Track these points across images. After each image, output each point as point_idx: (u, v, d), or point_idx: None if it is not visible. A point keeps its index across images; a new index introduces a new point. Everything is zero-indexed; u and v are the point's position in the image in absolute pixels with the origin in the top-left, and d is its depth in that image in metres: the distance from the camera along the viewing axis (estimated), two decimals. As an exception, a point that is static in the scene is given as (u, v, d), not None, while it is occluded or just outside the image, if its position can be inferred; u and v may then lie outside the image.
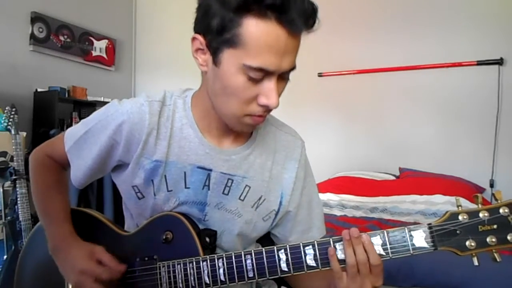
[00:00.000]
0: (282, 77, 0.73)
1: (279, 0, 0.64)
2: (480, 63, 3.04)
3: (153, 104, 0.83)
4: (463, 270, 1.44)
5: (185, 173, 0.84)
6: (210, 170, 0.84)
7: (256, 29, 0.66)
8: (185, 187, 0.84)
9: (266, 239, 0.95)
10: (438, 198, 2.43)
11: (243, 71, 0.69)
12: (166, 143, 0.83)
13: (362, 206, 2.55)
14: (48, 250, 0.87)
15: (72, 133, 0.90)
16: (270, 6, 0.64)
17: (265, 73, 0.70)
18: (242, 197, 0.86)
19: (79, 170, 0.88)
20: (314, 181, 0.96)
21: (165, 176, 0.83)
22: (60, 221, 0.88)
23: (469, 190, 2.64)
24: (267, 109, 0.74)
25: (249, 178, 0.86)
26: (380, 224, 2.13)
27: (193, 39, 0.75)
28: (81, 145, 0.87)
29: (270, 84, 0.71)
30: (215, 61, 0.72)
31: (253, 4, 0.65)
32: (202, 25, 0.72)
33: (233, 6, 0.66)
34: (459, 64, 3.12)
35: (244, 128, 0.81)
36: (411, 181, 2.86)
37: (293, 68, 0.73)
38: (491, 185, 2.97)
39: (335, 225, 2.12)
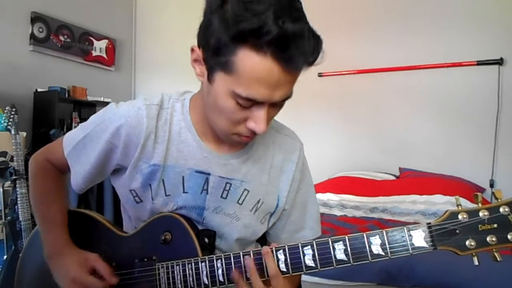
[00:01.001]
0: (275, 104, 0.72)
1: (278, 37, 0.61)
2: (480, 63, 3.04)
3: (151, 108, 0.82)
4: (463, 271, 1.44)
5: (183, 177, 0.83)
6: (209, 174, 0.84)
7: (250, 62, 0.64)
8: (183, 192, 0.84)
9: (261, 237, 0.96)
10: (438, 198, 2.43)
11: (233, 96, 0.68)
12: (164, 147, 0.82)
13: (362, 206, 2.55)
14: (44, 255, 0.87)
15: (71, 138, 0.89)
16: (268, 42, 0.62)
17: (255, 102, 0.69)
18: (240, 201, 0.86)
19: (79, 175, 0.88)
20: (311, 183, 0.96)
21: (163, 180, 0.83)
22: (56, 229, 0.88)
23: (469, 190, 2.64)
24: (255, 133, 0.74)
25: (247, 182, 0.86)
26: (380, 224, 2.13)
27: (192, 50, 0.74)
28: (80, 149, 0.87)
29: (259, 113, 0.70)
30: (209, 78, 0.71)
31: (250, 36, 0.62)
32: (202, 39, 0.71)
33: (231, 33, 0.63)
34: (459, 64, 3.12)
35: (232, 143, 0.81)
36: (411, 181, 2.86)
37: (287, 98, 0.71)
38: (491, 185, 2.97)
39: (335, 225, 2.12)
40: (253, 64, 0.64)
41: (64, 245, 0.86)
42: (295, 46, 0.63)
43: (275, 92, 0.68)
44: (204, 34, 0.69)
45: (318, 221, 0.96)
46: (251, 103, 0.69)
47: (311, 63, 0.67)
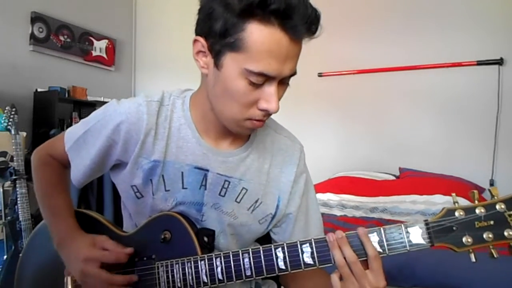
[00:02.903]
0: (283, 82, 0.73)
1: (283, 6, 0.64)
2: (480, 63, 3.04)
3: (151, 104, 0.83)
4: (463, 271, 1.44)
5: (182, 173, 0.84)
6: (207, 170, 0.84)
7: (259, 34, 0.66)
8: (183, 188, 0.84)
9: (266, 242, 0.95)
10: (438, 198, 2.43)
11: (244, 75, 0.69)
12: (164, 143, 0.83)
13: (362, 206, 2.55)
14: (50, 249, 0.87)
15: (72, 133, 0.90)
16: (274, 11, 0.64)
17: (266, 78, 0.70)
18: (238, 200, 0.86)
19: (79, 170, 0.89)
20: (313, 188, 0.96)
21: (162, 176, 0.84)
22: (64, 216, 0.89)
23: (469, 190, 2.62)
24: (267, 114, 0.75)
25: (246, 181, 0.86)
26: (380, 224, 2.11)
27: (195, 41, 0.75)
28: (81, 145, 0.88)
29: (270, 89, 0.71)
30: (217, 64, 0.72)
31: (257, 9, 0.64)
32: (204, 28, 0.72)
33: (237, 11, 0.65)
34: (459, 64, 3.12)
35: (243, 131, 0.81)
36: (411, 181, 2.86)
37: (294, 73, 0.73)
38: (491, 185, 2.97)
39: (335, 225, 2.12)
40: (262, 36, 0.66)
41: (73, 231, 0.87)
42: (299, 14, 0.65)
43: (284, 65, 0.69)
44: (207, 22, 0.70)
45: (322, 227, 0.95)
46: (263, 79, 0.70)
47: (313, 32, 0.69)
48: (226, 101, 0.74)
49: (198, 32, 0.74)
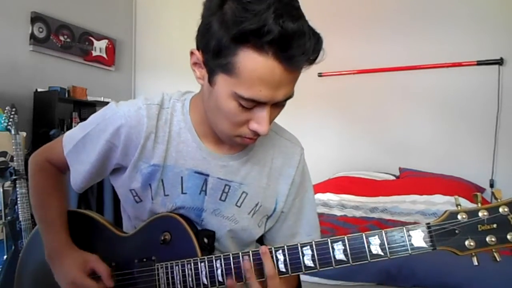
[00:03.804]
0: (277, 104, 0.72)
1: (279, 36, 0.61)
2: (480, 63, 3.04)
3: (151, 108, 0.82)
4: (463, 271, 1.44)
5: (182, 177, 0.83)
6: (207, 175, 0.84)
7: (251, 62, 0.64)
8: (182, 193, 0.84)
9: (260, 240, 0.96)
10: (438, 198, 2.43)
11: (235, 97, 0.68)
12: (164, 147, 0.82)
13: (362, 206, 2.55)
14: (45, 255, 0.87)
15: (71, 137, 0.89)
16: (269, 42, 0.61)
17: (257, 103, 0.68)
18: (238, 204, 0.85)
19: (79, 175, 0.88)
20: (311, 189, 0.95)
21: (162, 180, 0.83)
22: (56, 229, 0.88)
23: (469, 190, 2.64)
24: (258, 134, 0.73)
25: (246, 185, 0.85)
26: (380, 224, 2.13)
27: (191, 53, 0.74)
28: (80, 149, 0.87)
29: (262, 113, 0.70)
30: (210, 81, 0.71)
31: (251, 37, 0.62)
32: (201, 41, 0.70)
33: (231, 34, 0.63)
34: (459, 64, 3.12)
35: (234, 145, 0.81)
36: (411, 181, 2.86)
37: (289, 97, 0.71)
38: (491, 185, 2.97)
39: (335, 225, 2.12)
40: (255, 64, 0.64)
41: (64, 246, 0.86)
42: (297, 45, 0.62)
43: (277, 92, 0.67)
44: (204, 37, 0.69)
45: (316, 228, 0.94)
46: (253, 104, 0.68)
47: (312, 61, 0.67)
48: (218, 116, 0.74)
49: (197, 42, 0.73)
